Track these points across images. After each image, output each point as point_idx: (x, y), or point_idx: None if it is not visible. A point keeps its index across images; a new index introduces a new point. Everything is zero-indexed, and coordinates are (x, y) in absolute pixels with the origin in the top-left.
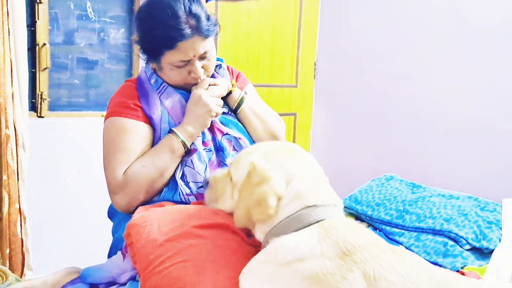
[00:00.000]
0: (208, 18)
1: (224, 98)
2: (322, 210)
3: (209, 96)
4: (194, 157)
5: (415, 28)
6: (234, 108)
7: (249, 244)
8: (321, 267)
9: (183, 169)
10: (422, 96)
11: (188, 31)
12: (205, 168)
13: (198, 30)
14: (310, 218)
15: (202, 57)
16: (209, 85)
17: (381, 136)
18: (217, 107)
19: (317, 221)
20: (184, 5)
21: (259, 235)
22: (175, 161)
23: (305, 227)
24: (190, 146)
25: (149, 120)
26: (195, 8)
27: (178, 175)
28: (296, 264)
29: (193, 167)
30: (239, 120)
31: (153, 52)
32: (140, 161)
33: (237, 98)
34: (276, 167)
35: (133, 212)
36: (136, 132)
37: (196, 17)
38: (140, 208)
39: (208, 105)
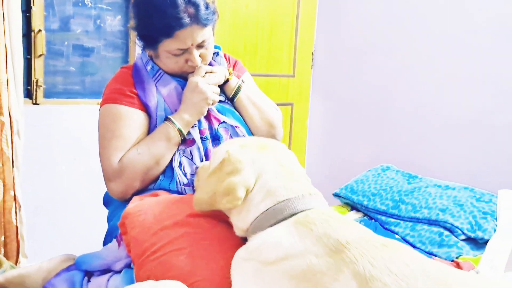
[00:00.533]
0: (206, 7)
1: (221, 86)
2: (296, 202)
3: (206, 84)
4: (193, 148)
5: (413, 20)
6: (231, 96)
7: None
8: (308, 265)
9: (180, 158)
10: (420, 88)
11: (186, 20)
12: (202, 160)
13: (196, 19)
14: (283, 212)
15: (199, 46)
16: (206, 72)
17: (378, 127)
18: (214, 94)
19: (292, 215)
20: None
21: (238, 233)
22: (171, 149)
23: (279, 221)
24: (187, 136)
25: (145, 108)
26: None
27: (175, 164)
28: (282, 263)
29: (191, 158)
30: (236, 109)
31: (150, 39)
32: (136, 149)
33: (234, 86)
34: (249, 159)
35: (128, 199)
36: (132, 119)
37: (195, 6)
38: (135, 197)
39: (205, 92)
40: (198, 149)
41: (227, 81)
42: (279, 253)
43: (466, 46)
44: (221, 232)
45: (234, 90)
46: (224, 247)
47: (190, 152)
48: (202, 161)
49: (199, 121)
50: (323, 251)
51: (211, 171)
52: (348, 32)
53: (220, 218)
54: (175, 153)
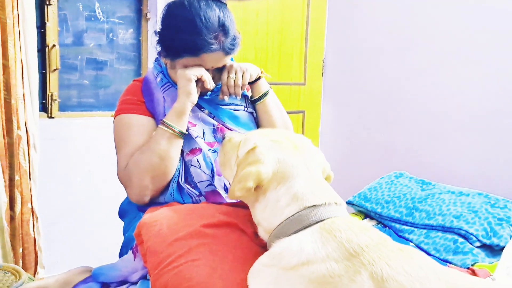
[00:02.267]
0: (234, 38)
1: (251, 84)
2: (322, 209)
3: (189, 71)
4: (200, 157)
5: (423, 24)
6: (257, 97)
7: (257, 243)
8: (328, 270)
9: (186, 172)
10: (431, 93)
11: (216, 46)
12: (212, 168)
13: (223, 47)
14: (309, 218)
15: (216, 69)
16: (236, 72)
17: (390, 133)
18: (195, 70)
19: (318, 222)
20: (219, 17)
21: (262, 233)
22: (173, 144)
23: (305, 228)
24: (194, 146)
25: (152, 115)
26: (227, 24)
27: (181, 180)
28: (302, 268)
29: (199, 166)
30: (256, 111)
31: (173, 51)
32: (139, 150)
33: (263, 88)
34: (274, 158)
35: (148, 204)
36: (141, 125)
37: (226, 35)
38: (150, 208)
39: (186, 74)
40: (205, 158)
41: (258, 79)
42: (300, 258)
43: (480, 49)
44: (236, 243)
45: (264, 91)
46: (240, 258)
47: (198, 161)
48: (211, 170)
49: (206, 133)
50: (343, 256)
51: (238, 162)
52: (358, 39)
53: (236, 228)
54: (180, 168)
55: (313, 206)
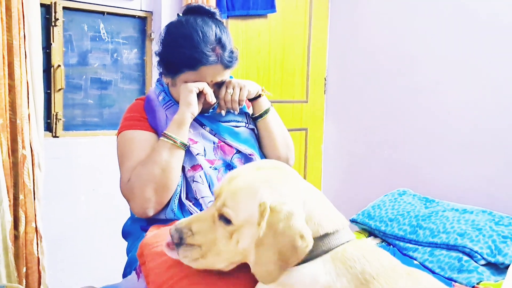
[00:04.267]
0: (232, 51)
1: (251, 102)
2: (333, 237)
3: (191, 84)
4: (202, 173)
5: (425, 42)
6: (258, 114)
7: None
8: None
9: (187, 188)
10: (434, 110)
11: (213, 58)
12: (212, 185)
13: (222, 60)
14: (321, 248)
15: (215, 84)
16: (233, 87)
17: (393, 150)
18: (196, 83)
19: (329, 251)
20: (215, 33)
21: None
22: (174, 155)
23: (315, 257)
24: (195, 162)
25: (155, 131)
26: (224, 38)
27: (183, 197)
28: None
29: (201, 181)
30: (258, 128)
31: (173, 68)
32: (141, 163)
33: (264, 105)
34: (288, 195)
35: (149, 223)
36: (144, 140)
37: (224, 48)
38: (153, 226)
39: (187, 85)
40: (206, 175)
41: (258, 97)
42: None
43: (483, 66)
44: (236, 267)
45: (264, 109)
46: (241, 282)
47: (200, 177)
48: (210, 186)
49: (206, 150)
50: (355, 287)
51: (260, 238)
52: (359, 56)
53: None
54: (182, 184)
55: (325, 234)
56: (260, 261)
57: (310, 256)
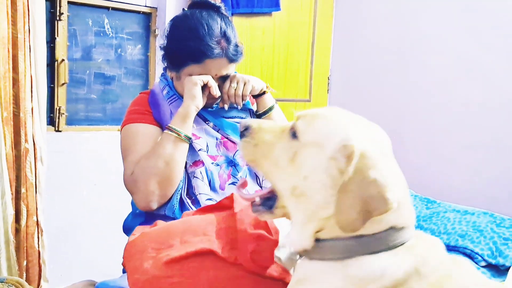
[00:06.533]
0: (237, 45)
1: (256, 98)
2: (407, 232)
3: (195, 76)
4: (202, 169)
5: (430, 42)
6: (263, 111)
7: (236, 265)
8: None
9: (188, 184)
10: (438, 110)
11: (218, 51)
12: (213, 182)
13: (227, 53)
14: (395, 239)
15: (220, 78)
16: (237, 82)
17: (396, 151)
18: (201, 76)
19: (402, 244)
20: (220, 26)
21: (301, 239)
22: (178, 148)
23: (387, 249)
24: (197, 158)
25: (159, 125)
26: (229, 32)
27: (184, 193)
28: None
29: (201, 178)
30: None
31: (178, 61)
32: (145, 156)
33: (269, 102)
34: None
35: (147, 219)
36: (147, 133)
37: (228, 41)
38: (138, 228)
39: (192, 78)
40: (207, 171)
41: (263, 93)
42: (385, 283)
43: (487, 68)
44: (211, 275)
45: (269, 106)
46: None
47: (200, 173)
48: (211, 184)
49: (209, 146)
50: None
51: (345, 183)
52: (364, 56)
53: (209, 256)
54: (184, 180)
55: (402, 227)
56: (342, 208)
57: (382, 247)
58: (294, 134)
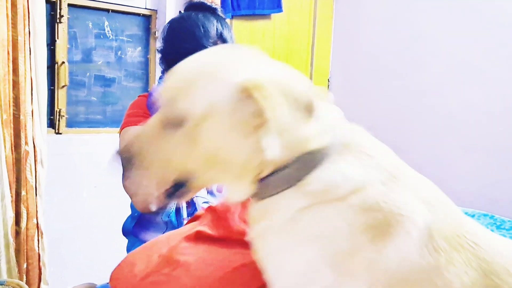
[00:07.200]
0: None
1: None
2: (338, 129)
3: None
4: None
5: (429, 44)
6: None
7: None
8: (380, 194)
9: None
10: (438, 111)
11: None
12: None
13: None
14: (334, 142)
15: None
16: None
17: (397, 152)
18: None
19: (341, 144)
20: (217, 28)
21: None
22: None
23: (331, 155)
24: None
25: None
26: (226, 34)
27: None
28: (351, 198)
29: None
30: None
31: (175, 63)
32: None
33: None
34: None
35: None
36: None
37: (225, 42)
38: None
39: None
40: None
41: None
42: (349, 187)
43: (488, 68)
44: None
45: None
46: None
47: None
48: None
49: None
50: (386, 177)
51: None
52: (364, 59)
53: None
54: None
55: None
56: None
57: (325, 156)
58: (177, 123)
